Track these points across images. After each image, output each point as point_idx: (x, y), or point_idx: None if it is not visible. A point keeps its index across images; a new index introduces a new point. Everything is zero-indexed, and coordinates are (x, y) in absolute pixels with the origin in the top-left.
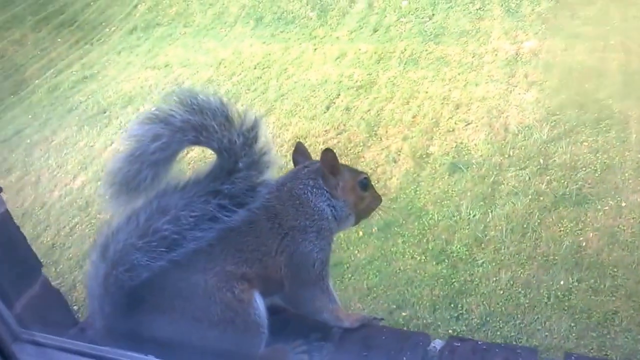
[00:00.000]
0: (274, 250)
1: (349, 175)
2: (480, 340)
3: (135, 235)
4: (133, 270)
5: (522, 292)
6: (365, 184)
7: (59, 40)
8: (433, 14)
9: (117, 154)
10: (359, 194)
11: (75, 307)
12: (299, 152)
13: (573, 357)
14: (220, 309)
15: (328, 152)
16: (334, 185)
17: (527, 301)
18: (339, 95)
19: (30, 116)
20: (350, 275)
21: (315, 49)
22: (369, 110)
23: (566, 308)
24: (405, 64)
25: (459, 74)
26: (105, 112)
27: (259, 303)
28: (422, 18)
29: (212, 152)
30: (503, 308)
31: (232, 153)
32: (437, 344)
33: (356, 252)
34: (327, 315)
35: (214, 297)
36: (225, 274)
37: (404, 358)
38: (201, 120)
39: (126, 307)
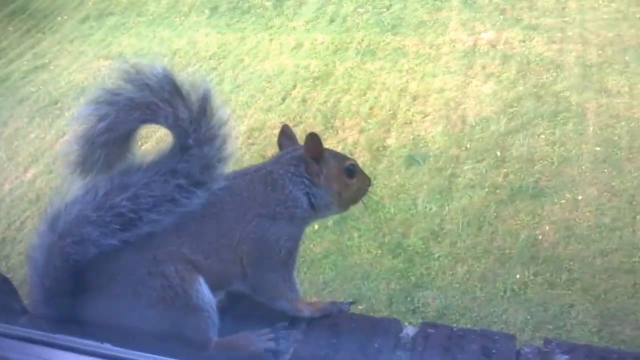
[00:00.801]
0: (235, 241)
1: (334, 161)
2: (455, 326)
3: (90, 208)
4: (81, 243)
5: (479, 285)
6: (351, 170)
7: (10, 29)
8: (390, 5)
9: (68, 136)
10: (345, 181)
11: (27, 302)
12: (285, 135)
13: (553, 343)
14: (162, 290)
15: (312, 137)
16: (317, 173)
17: (484, 295)
18: (295, 86)
19: None
20: (306, 270)
21: (272, 39)
22: (325, 101)
23: (522, 301)
24: (362, 55)
25: (416, 65)
26: (57, 103)
27: (203, 287)
28: (380, 8)
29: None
30: (459, 301)
31: (181, 129)
32: (410, 330)
33: (312, 246)
34: (285, 304)
35: (157, 278)
36: (170, 253)
37: (375, 345)
38: (145, 97)
39: (67, 283)
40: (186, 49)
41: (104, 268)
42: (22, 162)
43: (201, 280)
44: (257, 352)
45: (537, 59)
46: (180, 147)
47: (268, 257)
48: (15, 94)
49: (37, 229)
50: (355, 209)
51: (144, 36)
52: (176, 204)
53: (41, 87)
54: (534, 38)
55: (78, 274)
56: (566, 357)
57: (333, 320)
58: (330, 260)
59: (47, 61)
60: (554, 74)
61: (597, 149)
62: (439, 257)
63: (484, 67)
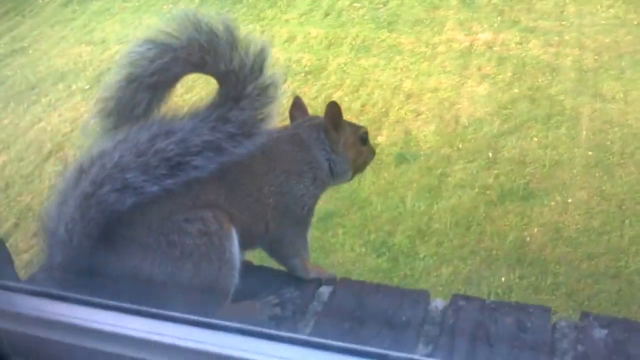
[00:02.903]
0: (265, 194)
1: (350, 129)
2: (487, 300)
3: (132, 154)
4: (124, 190)
5: (462, 288)
6: (365, 138)
7: None
8: (387, 1)
9: (110, 78)
10: (359, 148)
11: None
12: (297, 107)
13: (590, 317)
14: (198, 236)
15: (333, 106)
16: (336, 140)
17: None
18: (286, 80)
19: None
20: None
21: (263, 31)
22: (316, 97)
23: None
24: (356, 51)
25: (411, 64)
26: (34, 89)
27: (235, 242)
28: (376, 4)
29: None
30: None
31: (241, 76)
32: (439, 303)
33: None
34: (297, 262)
35: (195, 223)
36: (211, 206)
37: (403, 317)
38: (209, 39)
39: (96, 239)
40: None
41: (137, 218)
42: None
43: (234, 233)
44: (262, 319)
45: (533, 61)
46: (234, 97)
47: (291, 212)
48: None
49: (57, 186)
50: (342, 205)
51: (129, 23)
52: (222, 152)
53: (18, 71)
54: (530, 41)
55: (108, 228)
56: (605, 331)
57: (357, 291)
58: (311, 257)
59: (25, 45)
60: (550, 77)
61: (590, 153)
62: (424, 257)
63: (479, 68)
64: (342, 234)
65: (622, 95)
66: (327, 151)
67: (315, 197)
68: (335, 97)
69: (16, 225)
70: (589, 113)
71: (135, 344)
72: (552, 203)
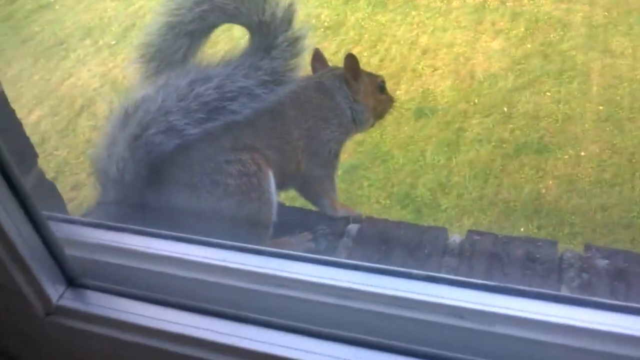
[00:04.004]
0: (295, 137)
1: (368, 79)
2: (499, 234)
3: (174, 98)
4: (168, 132)
5: None
6: (382, 87)
7: None
8: None
9: (151, 26)
10: (378, 97)
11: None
12: (317, 58)
13: (594, 249)
14: (239, 177)
15: (351, 57)
16: (357, 90)
17: None
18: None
19: None
20: None
21: None
22: (336, 52)
23: None
24: (373, 6)
25: (427, 19)
26: (62, 44)
27: (272, 182)
28: None
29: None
30: None
31: (272, 27)
32: (457, 238)
33: None
34: (326, 201)
35: (235, 165)
36: (249, 148)
37: (425, 251)
38: None
39: (146, 177)
40: None
41: (182, 160)
42: (26, 104)
43: (271, 174)
44: (298, 251)
45: (545, 17)
46: (265, 47)
47: (319, 155)
48: (19, 34)
49: (106, 130)
50: (366, 159)
51: None
52: (255, 98)
53: (46, 27)
54: None
55: (156, 167)
56: (606, 261)
57: (382, 228)
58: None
59: (51, 0)
60: (561, 33)
61: (600, 107)
62: (446, 208)
63: (493, 24)
64: (367, 186)
65: (630, 51)
66: (348, 100)
67: (341, 142)
68: (354, 52)
69: (54, 179)
70: (599, 68)
71: (186, 265)
72: (566, 156)
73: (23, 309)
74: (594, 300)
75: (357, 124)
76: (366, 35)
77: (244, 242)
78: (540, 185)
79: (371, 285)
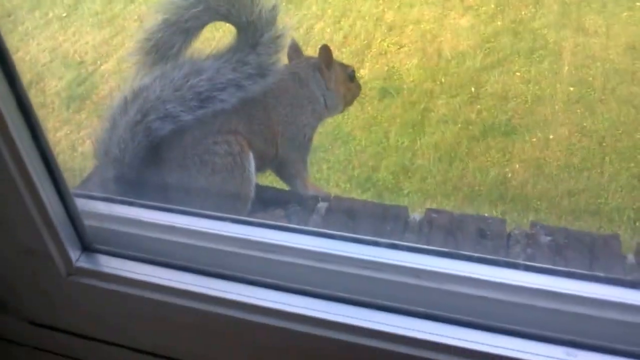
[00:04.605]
0: (274, 122)
1: (339, 68)
2: (455, 212)
3: (170, 88)
4: (165, 119)
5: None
6: (352, 76)
7: None
8: None
9: (149, 22)
10: (348, 85)
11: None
12: (293, 48)
13: (538, 226)
14: (225, 156)
15: (325, 48)
16: (329, 78)
17: None
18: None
19: None
20: None
21: None
22: (297, 27)
23: None
24: None
25: None
26: (10, 16)
27: (252, 162)
28: None
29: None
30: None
31: (258, 26)
32: (416, 216)
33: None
34: (299, 182)
35: (222, 145)
36: (234, 132)
37: (388, 227)
38: None
39: (143, 158)
40: None
41: (176, 143)
42: None
43: (251, 156)
44: None
45: None
46: (252, 44)
47: (295, 139)
48: None
49: (107, 115)
50: (326, 140)
51: None
52: (241, 89)
53: None
54: None
55: (152, 149)
56: (549, 238)
57: (348, 206)
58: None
59: None
60: (533, 10)
61: (571, 89)
62: (408, 192)
63: (462, 0)
64: (327, 169)
65: (604, 30)
66: (321, 87)
67: (314, 128)
68: (316, 29)
69: None
70: (571, 47)
71: (180, 233)
72: (534, 139)
73: (50, 270)
74: (524, 263)
75: (328, 109)
76: (329, 11)
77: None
78: (507, 169)
79: (343, 251)
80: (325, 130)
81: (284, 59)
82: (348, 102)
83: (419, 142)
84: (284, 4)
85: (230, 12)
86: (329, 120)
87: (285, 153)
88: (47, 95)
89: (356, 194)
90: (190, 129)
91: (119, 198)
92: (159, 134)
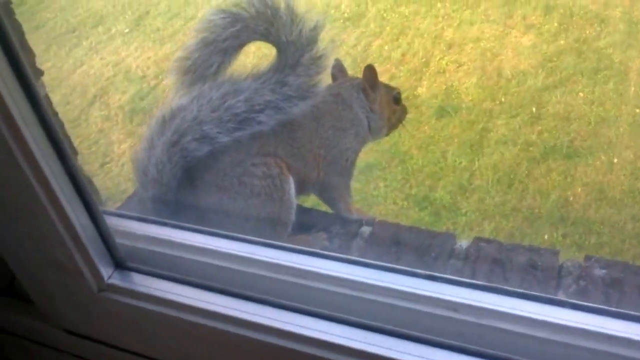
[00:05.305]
0: (316, 145)
1: (385, 90)
2: (504, 242)
3: (207, 109)
4: (202, 140)
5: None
6: (398, 98)
7: None
8: None
9: (188, 42)
10: (393, 107)
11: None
12: (338, 68)
13: (593, 259)
14: (264, 178)
15: (370, 68)
16: (374, 100)
17: None
18: (325, 26)
19: None
20: None
21: None
22: (355, 45)
23: None
24: None
25: (453, 11)
26: (74, 32)
27: (292, 185)
28: None
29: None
30: None
31: (298, 46)
32: (463, 243)
33: None
34: (342, 205)
35: (261, 167)
36: (273, 155)
37: (432, 254)
38: (274, 13)
39: (180, 179)
40: None
41: (213, 164)
42: None
43: (291, 179)
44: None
45: (581, 11)
46: (291, 64)
47: (337, 163)
48: (32, 20)
49: (146, 135)
50: (383, 158)
51: None
52: (280, 111)
53: (58, 13)
54: None
55: (190, 170)
56: (604, 271)
57: (393, 231)
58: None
59: None
60: (598, 29)
61: (637, 110)
62: (466, 212)
63: (524, 18)
64: (384, 187)
65: None
66: (365, 109)
67: (357, 151)
68: (374, 46)
69: None
70: (638, 68)
71: (215, 255)
72: (597, 162)
73: (81, 286)
74: (571, 301)
75: (372, 132)
76: (388, 28)
77: (265, 239)
78: (568, 192)
79: (379, 280)
80: (382, 149)
81: (327, 80)
82: (393, 126)
83: (477, 162)
84: (340, 21)
85: (270, 31)
86: (386, 138)
87: (327, 177)
88: (111, 108)
89: (413, 212)
90: (228, 151)
91: (152, 218)
92: (196, 155)
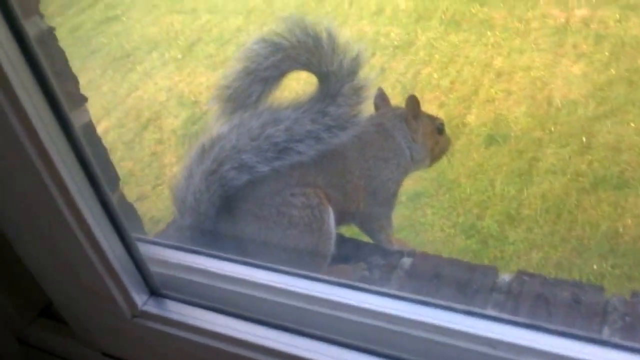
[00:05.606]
0: (356, 177)
1: (427, 120)
2: (548, 277)
3: (247, 138)
4: (240, 169)
5: (553, 272)
6: (441, 129)
7: None
8: None
9: (229, 70)
10: (436, 138)
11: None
12: (380, 97)
13: (639, 296)
14: (302, 209)
15: (413, 98)
16: (416, 130)
17: None
18: (374, 54)
19: None
20: None
21: (352, 3)
22: (405, 72)
23: None
24: (446, 25)
25: (503, 40)
26: (129, 57)
27: (332, 215)
28: None
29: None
30: None
31: (339, 77)
32: (506, 277)
33: None
34: (383, 236)
35: (300, 197)
36: (312, 185)
37: (474, 286)
38: (315, 43)
39: (219, 208)
40: (262, 8)
41: (252, 194)
42: (95, 115)
43: (330, 210)
44: (353, 280)
45: (633, 41)
46: (332, 94)
47: (379, 194)
48: (87, 45)
49: (185, 163)
50: (430, 186)
51: None
52: (320, 141)
53: (113, 39)
54: (630, 19)
55: (228, 199)
56: None
57: (434, 263)
58: (402, 235)
59: (119, 12)
60: None
61: None
62: (514, 241)
63: (575, 47)
64: (431, 214)
65: None
66: (408, 139)
67: (399, 182)
68: (424, 74)
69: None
70: None
71: (251, 286)
72: None
73: (114, 312)
74: (614, 341)
75: (414, 162)
76: (437, 56)
77: (304, 269)
78: (618, 224)
79: (417, 314)
80: (429, 177)
81: (369, 109)
82: (436, 157)
83: (525, 192)
84: (390, 49)
85: (310, 61)
86: (434, 166)
87: (368, 208)
88: (164, 132)
89: (460, 240)
90: (267, 180)
91: (186, 246)
92: (235, 184)
